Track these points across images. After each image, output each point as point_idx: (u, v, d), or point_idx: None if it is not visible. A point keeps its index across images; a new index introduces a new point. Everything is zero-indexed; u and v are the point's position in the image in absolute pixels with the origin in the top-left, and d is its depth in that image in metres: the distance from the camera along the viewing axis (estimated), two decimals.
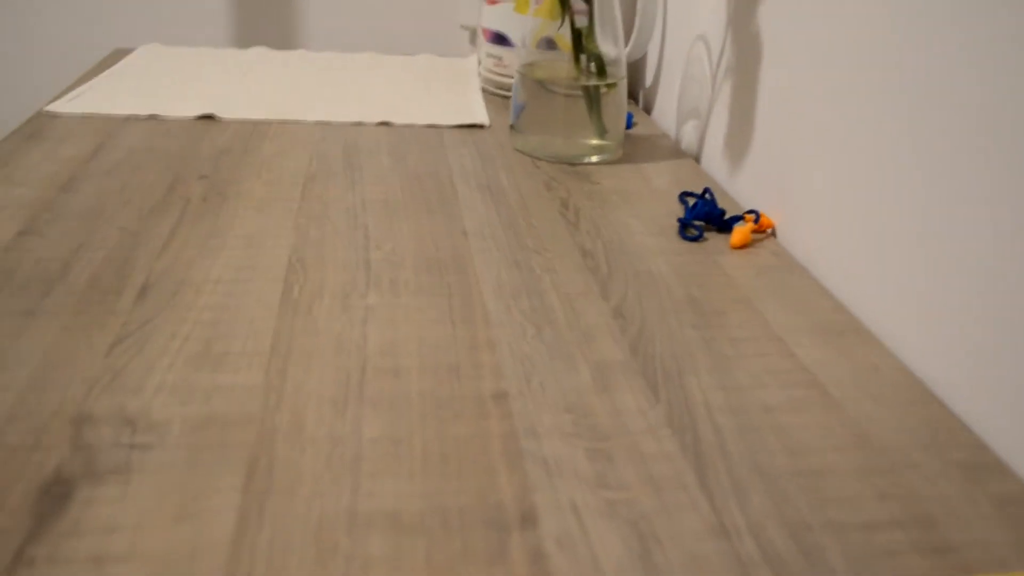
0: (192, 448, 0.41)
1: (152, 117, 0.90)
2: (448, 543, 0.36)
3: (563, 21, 0.81)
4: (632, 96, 1.13)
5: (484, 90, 1.08)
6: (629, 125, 0.94)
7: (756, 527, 0.38)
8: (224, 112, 0.91)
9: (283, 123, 0.90)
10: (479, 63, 1.10)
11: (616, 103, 0.82)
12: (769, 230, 0.69)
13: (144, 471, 0.40)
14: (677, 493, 0.40)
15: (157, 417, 0.43)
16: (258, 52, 1.18)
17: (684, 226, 0.67)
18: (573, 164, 0.82)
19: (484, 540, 0.37)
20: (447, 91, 1.05)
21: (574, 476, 0.41)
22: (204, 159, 0.78)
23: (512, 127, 0.86)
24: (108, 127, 0.86)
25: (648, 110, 1.07)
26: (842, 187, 0.61)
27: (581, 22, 0.83)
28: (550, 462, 0.41)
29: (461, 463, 0.41)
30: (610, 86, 0.82)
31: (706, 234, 0.68)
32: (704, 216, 0.68)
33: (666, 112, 1.00)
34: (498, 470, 0.41)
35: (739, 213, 0.71)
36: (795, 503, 0.40)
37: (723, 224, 0.68)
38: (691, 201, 0.74)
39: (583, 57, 0.81)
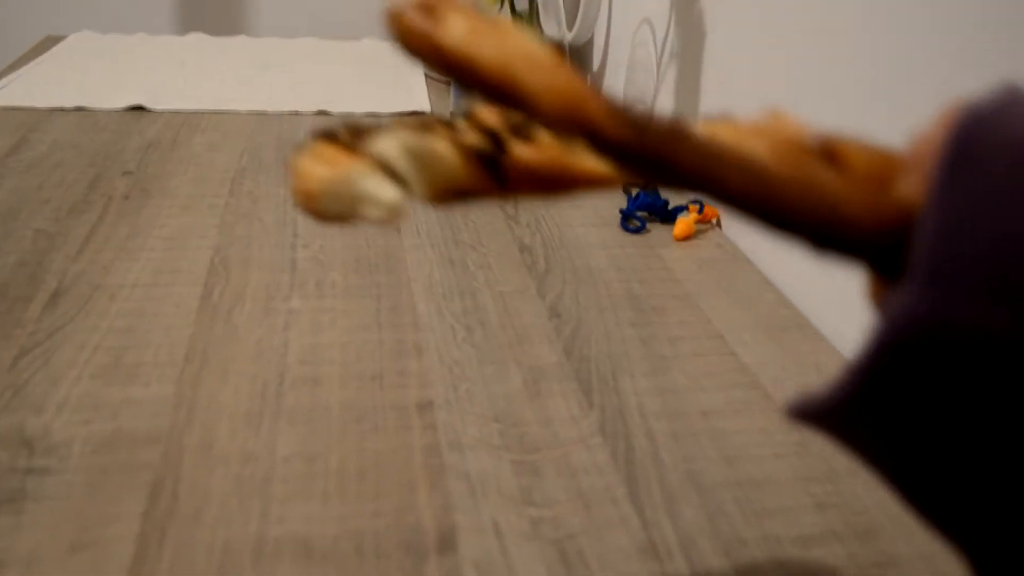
0: (93, 471, 0.39)
1: (79, 109, 0.86)
2: (360, 570, 0.34)
3: (503, 4, 0.79)
4: None
5: (427, 76, 1.06)
6: None
7: (687, 543, 0.36)
8: (155, 103, 0.88)
9: (216, 114, 0.87)
10: None
11: None
12: (714, 220, 0.67)
13: (40, 499, 0.37)
14: (606, 508, 0.38)
15: (57, 438, 0.41)
16: (195, 38, 1.15)
17: (626, 217, 0.65)
18: None
19: (399, 567, 0.34)
20: (389, 77, 1.02)
21: (498, 493, 0.39)
22: (131, 154, 0.75)
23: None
24: (32, 120, 0.82)
25: None
26: None
27: (522, 5, 0.81)
28: (473, 478, 0.39)
29: (379, 481, 0.39)
30: None
31: (649, 225, 0.66)
32: (647, 207, 0.66)
33: None
34: (418, 488, 0.39)
35: (683, 203, 0.69)
36: (729, 516, 0.38)
37: (667, 215, 0.66)
38: (634, 191, 0.72)
39: None
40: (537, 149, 0.24)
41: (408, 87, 0.99)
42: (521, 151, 0.24)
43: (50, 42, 1.11)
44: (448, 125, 0.24)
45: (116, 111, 0.86)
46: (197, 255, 0.58)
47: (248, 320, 0.51)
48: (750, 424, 0.44)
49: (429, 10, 0.20)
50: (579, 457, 0.41)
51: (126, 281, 0.54)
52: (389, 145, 0.23)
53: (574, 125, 0.20)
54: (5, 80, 0.93)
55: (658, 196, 0.66)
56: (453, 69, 0.20)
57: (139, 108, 0.87)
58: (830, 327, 0.53)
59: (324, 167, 0.23)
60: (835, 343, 0.53)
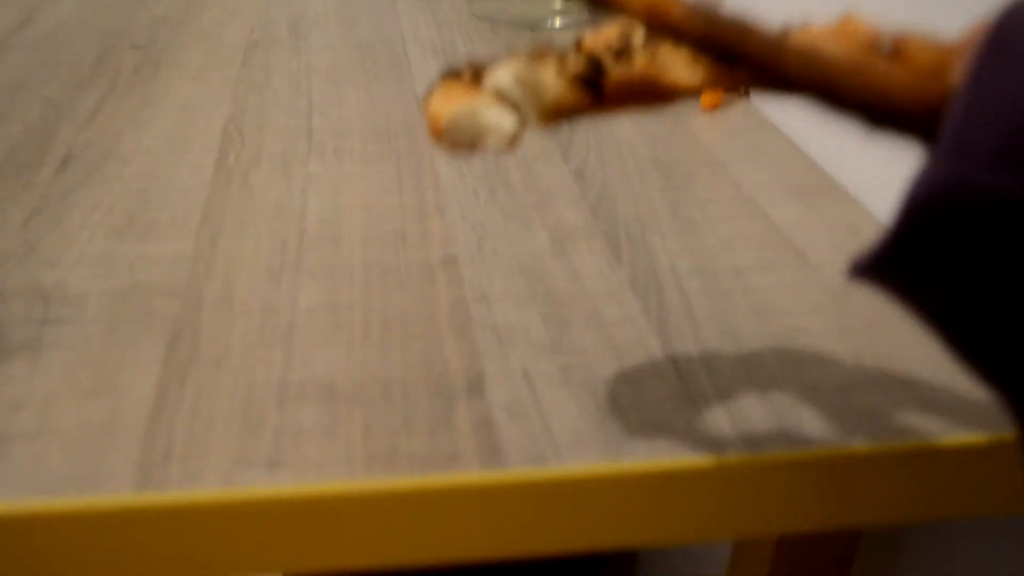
0: (111, 321, 0.38)
1: None
2: (388, 413, 0.33)
3: None
4: None
5: None
6: None
7: (725, 392, 0.35)
8: None
9: None
10: None
11: None
12: (743, 90, 0.65)
13: (56, 346, 0.36)
14: (639, 359, 0.37)
15: (74, 290, 0.40)
16: None
17: None
18: (535, 29, 0.77)
19: (427, 410, 0.34)
20: None
21: (527, 342, 0.37)
22: (138, 30, 0.73)
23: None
24: None
25: None
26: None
27: None
28: (501, 328, 0.38)
29: (405, 332, 0.38)
30: None
31: None
32: None
33: None
34: (445, 338, 0.38)
35: None
36: (767, 366, 0.37)
37: None
38: None
39: None
40: (632, 68, 0.27)
41: None
42: (618, 71, 0.27)
43: None
44: (555, 54, 0.28)
45: None
46: (210, 123, 0.56)
47: (265, 183, 0.49)
48: (784, 281, 0.43)
49: None
50: (609, 311, 0.40)
51: (138, 148, 0.53)
52: (503, 77, 0.27)
53: (657, 23, 0.24)
54: None
55: None
56: None
57: None
58: (861, 191, 0.52)
59: (450, 104, 0.27)
60: (867, 206, 0.51)
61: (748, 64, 0.23)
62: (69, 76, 0.63)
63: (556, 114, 0.28)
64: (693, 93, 0.28)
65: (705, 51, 0.23)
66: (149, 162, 0.51)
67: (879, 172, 0.51)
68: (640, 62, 0.28)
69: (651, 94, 0.28)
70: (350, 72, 0.66)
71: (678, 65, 0.28)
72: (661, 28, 0.24)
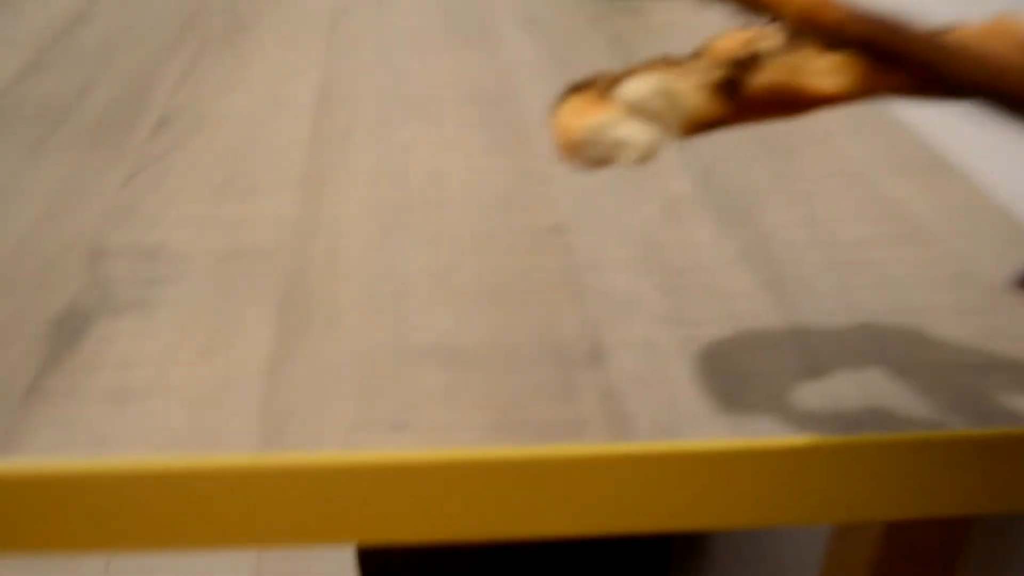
0: (217, 281, 0.37)
1: None
2: (509, 379, 0.32)
3: None
4: None
5: None
6: None
7: (852, 367, 0.34)
8: None
9: None
10: None
11: None
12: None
13: (165, 304, 0.36)
14: (761, 331, 0.36)
15: (178, 250, 0.39)
16: None
17: None
18: None
19: (548, 377, 0.33)
20: None
21: (644, 312, 0.36)
22: None
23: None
24: None
25: None
26: (926, 4, 0.55)
27: None
28: (616, 297, 0.37)
29: (517, 297, 0.37)
30: None
31: None
32: None
33: None
34: (559, 305, 0.36)
35: None
36: (893, 343, 0.35)
37: None
38: None
39: None
40: (769, 74, 0.26)
41: None
42: (758, 79, 0.26)
43: None
44: (685, 63, 0.26)
45: None
46: (303, 87, 0.55)
47: (362, 147, 0.48)
48: (904, 256, 0.41)
49: None
50: (727, 282, 0.38)
51: (232, 110, 0.52)
52: (641, 89, 0.25)
53: (814, 26, 0.23)
54: None
55: None
56: None
57: None
58: (969, 167, 0.50)
59: (581, 119, 0.26)
60: (976, 183, 0.49)
61: (911, 66, 0.22)
62: (157, 40, 0.63)
63: (694, 126, 0.26)
64: (838, 101, 0.26)
65: (866, 54, 0.22)
66: (243, 125, 0.51)
67: (986, 148, 0.49)
68: (776, 70, 0.27)
69: (792, 103, 0.26)
70: (438, 39, 0.65)
71: (818, 72, 0.26)
72: (817, 31, 0.23)
